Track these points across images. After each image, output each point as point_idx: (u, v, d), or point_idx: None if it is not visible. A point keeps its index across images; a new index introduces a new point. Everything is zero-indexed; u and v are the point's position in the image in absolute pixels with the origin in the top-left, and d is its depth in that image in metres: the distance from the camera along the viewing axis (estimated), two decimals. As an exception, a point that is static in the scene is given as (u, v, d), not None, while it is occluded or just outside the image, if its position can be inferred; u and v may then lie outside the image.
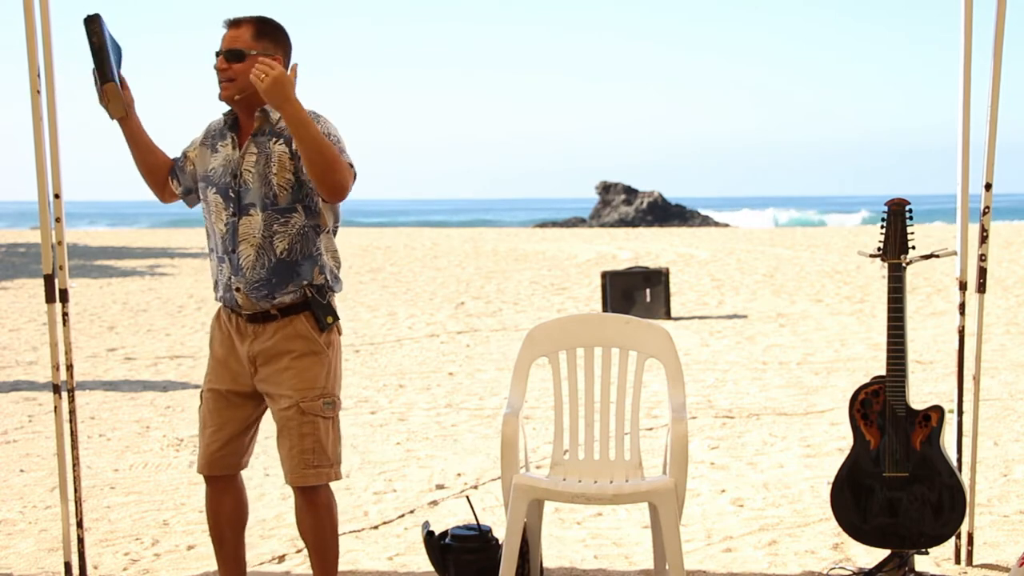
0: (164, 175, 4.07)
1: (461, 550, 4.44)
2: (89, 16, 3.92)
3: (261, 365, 3.92)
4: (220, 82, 3.85)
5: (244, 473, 6.53)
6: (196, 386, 9.26)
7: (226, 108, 3.95)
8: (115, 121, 4.00)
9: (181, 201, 4.11)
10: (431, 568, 4.59)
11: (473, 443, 7.19)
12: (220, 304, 4.01)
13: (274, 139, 3.84)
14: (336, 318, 3.93)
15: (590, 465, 4.51)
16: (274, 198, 3.82)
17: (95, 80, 3.94)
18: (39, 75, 4.47)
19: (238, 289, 3.87)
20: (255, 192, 3.83)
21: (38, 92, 4.47)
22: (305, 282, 3.87)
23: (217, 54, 3.85)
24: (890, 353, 4.45)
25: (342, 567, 4.86)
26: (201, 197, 3.99)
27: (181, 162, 4.04)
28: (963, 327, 4.73)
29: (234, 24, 3.85)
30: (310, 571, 4.84)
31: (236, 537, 4.14)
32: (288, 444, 3.89)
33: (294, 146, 3.76)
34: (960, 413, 4.76)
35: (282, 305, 3.87)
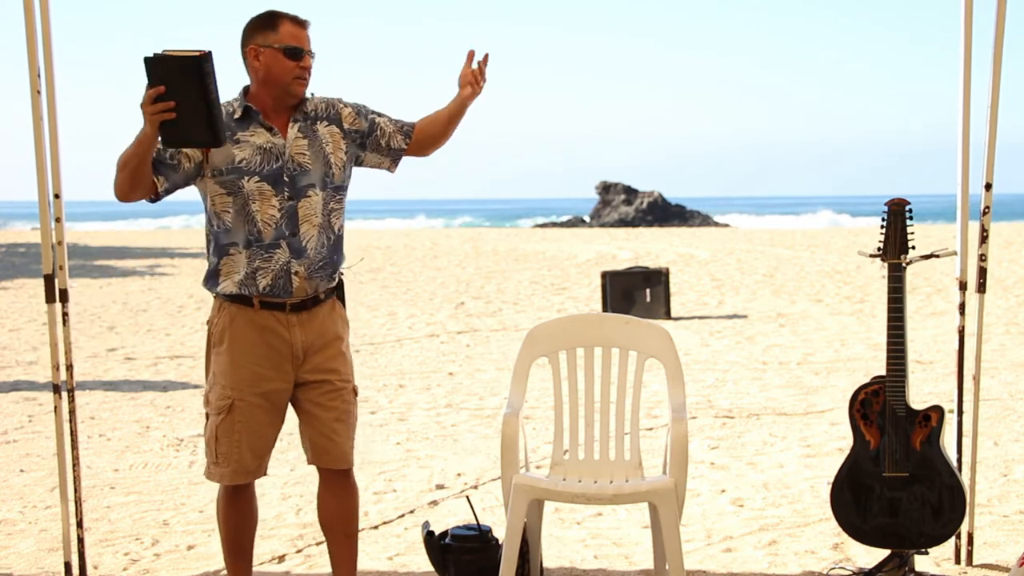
0: (151, 173, 3.88)
1: (461, 550, 4.44)
2: (202, 55, 3.49)
3: (314, 353, 3.95)
4: (301, 79, 3.90)
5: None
6: (196, 386, 9.26)
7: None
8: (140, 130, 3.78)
9: (142, 200, 3.91)
10: (431, 568, 4.59)
11: (473, 443, 7.19)
12: (241, 302, 3.88)
13: (320, 122, 3.97)
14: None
15: (590, 465, 4.51)
16: (332, 177, 3.95)
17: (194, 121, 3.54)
18: (39, 75, 4.47)
19: (296, 273, 3.88)
20: (314, 173, 3.91)
21: (38, 92, 4.47)
22: (341, 263, 4.03)
23: (302, 52, 3.89)
24: (890, 353, 4.45)
25: (342, 567, 4.87)
26: (226, 189, 3.86)
27: (172, 160, 3.83)
28: (963, 327, 4.73)
29: (304, 25, 3.94)
30: (310, 571, 4.84)
31: (252, 542, 4.16)
32: (345, 428, 4.00)
33: (345, 125, 4.00)
34: (960, 413, 4.76)
35: (329, 288, 3.98)
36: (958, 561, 4.78)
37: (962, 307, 4.71)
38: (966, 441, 4.79)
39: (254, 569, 4.85)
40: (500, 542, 4.42)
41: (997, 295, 14.77)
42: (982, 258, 4.69)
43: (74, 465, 4.70)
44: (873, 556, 4.78)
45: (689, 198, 63.35)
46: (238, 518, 4.06)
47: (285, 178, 3.88)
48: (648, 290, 13.43)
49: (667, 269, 13.81)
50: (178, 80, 3.49)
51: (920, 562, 4.69)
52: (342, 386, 4.00)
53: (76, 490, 4.74)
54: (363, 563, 4.91)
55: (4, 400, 8.71)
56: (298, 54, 3.88)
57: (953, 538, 4.68)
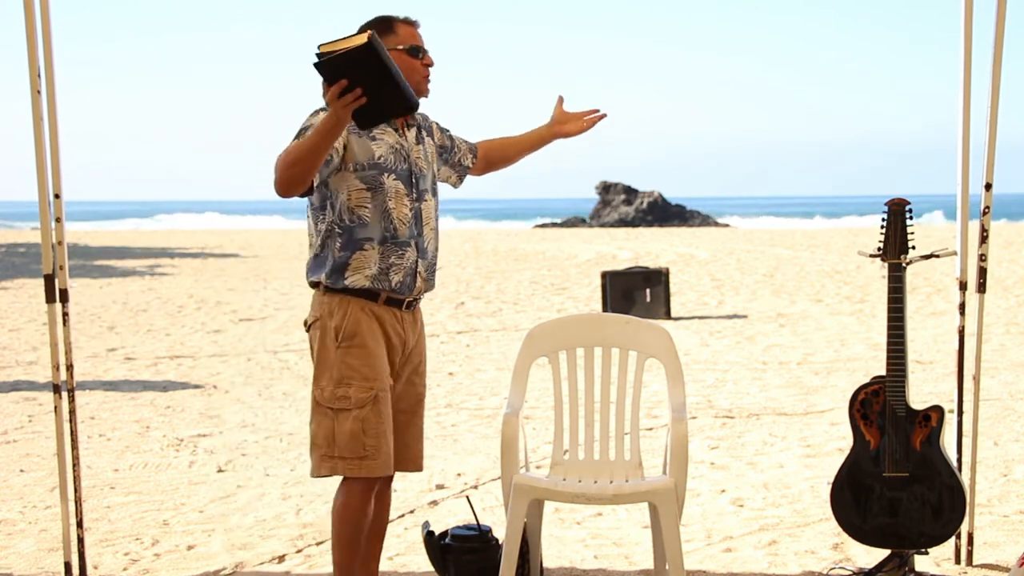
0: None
1: (461, 550, 4.44)
2: (369, 37, 3.48)
3: (413, 352, 4.05)
4: (426, 77, 3.99)
5: (243, 472, 6.56)
6: (196, 386, 9.27)
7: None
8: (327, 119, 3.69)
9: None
10: (431, 568, 4.59)
11: (473, 443, 7.19)
12: (366, 297, 3.89)
13: (423, 131, 4.09)
14: None
15: (590, 465, 4.51)
16: (436, 185, 4.13)
17: (380, 101, 3.55)
18: (39, 75, 4.47)
19: (419, 273, 3.97)
20: (428, 178, 4.03)
21: (38, 92, 4.47)
22: None
23: (423, 50, 3.98)
24: (890, 353, 4.45)
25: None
26: (366, 184, 3.86)
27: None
28: (963, 327, 4.73)
29: (416, 24, 4.01)
30: (310, 571, 4.85)
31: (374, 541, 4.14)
32: (421, 428, 4.12)
33: (436, 139, 4.18)
34: (960, 413, 4.76)
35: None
36: (958, 561, 4.78)
37: (962, 307, 4.71)
38: (966, 441, 4.79)
39: (253, 569, 4.85)
40: (500, 542, 4.42)
41: (997, 295, 14.77)
42: (982, 258, 4.69)
43: (74, 465, 4.69)
44: (873, 556, 4.78)
45: (689, 198, 63.31)
46: (361, 513, 3.96)
47: (412, 179, 3.96)
48: (648, 290, 13.43)
49: (667, 269, 13.82)
50: (357, 69, 3.49)
51: (920, 562, 4.69)
52: (423, 392, 4.13)
53: (76, 490, 4.74)
54: (363, 563, 4.91)
55: (4, 400, 8.71)
56: (421, 52, 3.98)
57: (953, 538, 4.68)
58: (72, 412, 4.65)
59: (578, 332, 4.63)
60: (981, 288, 4.71)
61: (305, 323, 4.02)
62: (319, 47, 3.52)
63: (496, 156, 4.39)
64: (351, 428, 3.85)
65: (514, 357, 4.65)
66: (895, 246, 4.47)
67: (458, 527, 4.56)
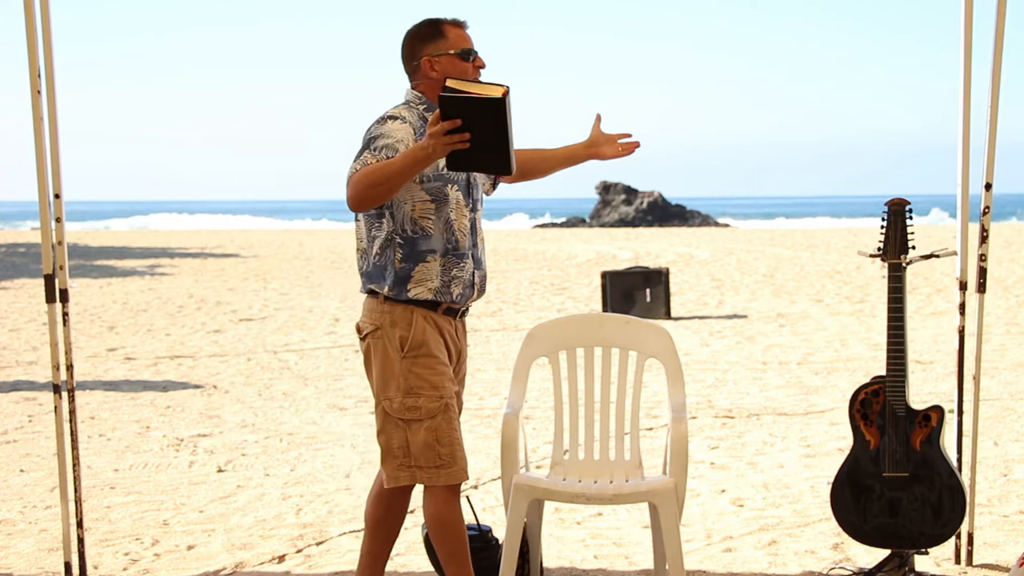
0: None
1: (461, 550, 4.43)
2: (504, 93, 3.48)
3: (459, 362, 4.05)
4: (476, 80, 3.90)
5: (243, 472, 6.56)
6: (196, 386, 9.27)
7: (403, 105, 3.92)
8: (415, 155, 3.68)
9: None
10: (431, 568, 4.59)
11: (473, 443, 7.19)
12: (427, 307, 3.89)
13: None
14: None
15: (590, 465, 4.51)
16: (482, 195, 4.10)
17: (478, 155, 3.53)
18: (39, 75, 4.47)
19: (476, 284, 4.00)
20: (478, 189, 4.03)
21: (38, 92, 4.47)
22: None
23: (475, 53, 3.93)
24: (890, 353, 4.45)
25: (342, 567, 4.87)
26: (431, 196, 3.85)
27: None
28: (963, 327, 4.73)
29: (465, 25, 3.96)
30: (310, 571, 4.85)
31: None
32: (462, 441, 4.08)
33: None
34: (960, 413, 4.76)
35: None
36: (958, 561, 4.78)
37: (962, 307, 4.71)
38: (966, 441, 4.79)
39: (253, 569, 4.86)
40: (500, 542, 4.42)
41: (997, 295, 14.77)
42: (982, 258, 4.69)
43: (74, 465, 4.70)
44: (873, 556, 4.78)
45: (689, 198, 63.31)
46: (395, 519, 4.07)
47: (469, 189, 3.95)
48: (648, 290, 13.43)
49: (667, 269, 13.82)
50: (477, 117, 3.48)
51: (920, 562, 4.69)
52: (462, 400, 4.13)
53: (76, 490, 4.74)
54: (363, 563, 4.91)
55: (4, 400, 8.71)
56: (472, 55, 3.92)
57: (953, 538, 4.68)
58: (72, 412, 4.65)
59: (578, 332, 4.63)
60: (981, 288, 4.71)
61: (359, 330, 3.96)
62: (448, 80, 3.52)
63: (529, 168, 4.32)
64: (424, 438, 3.85)
65: (514, 357, 4.65)
66: (895, 246, 4.47)
67: (458, 527, 4.55)
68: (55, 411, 4.66)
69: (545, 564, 4.79)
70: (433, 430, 3.86)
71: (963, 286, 4.72)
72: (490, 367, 10.11)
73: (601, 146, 4.32)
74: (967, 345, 4.73)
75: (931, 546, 4.52)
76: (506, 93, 3.48)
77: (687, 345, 11.14)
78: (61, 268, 4.59)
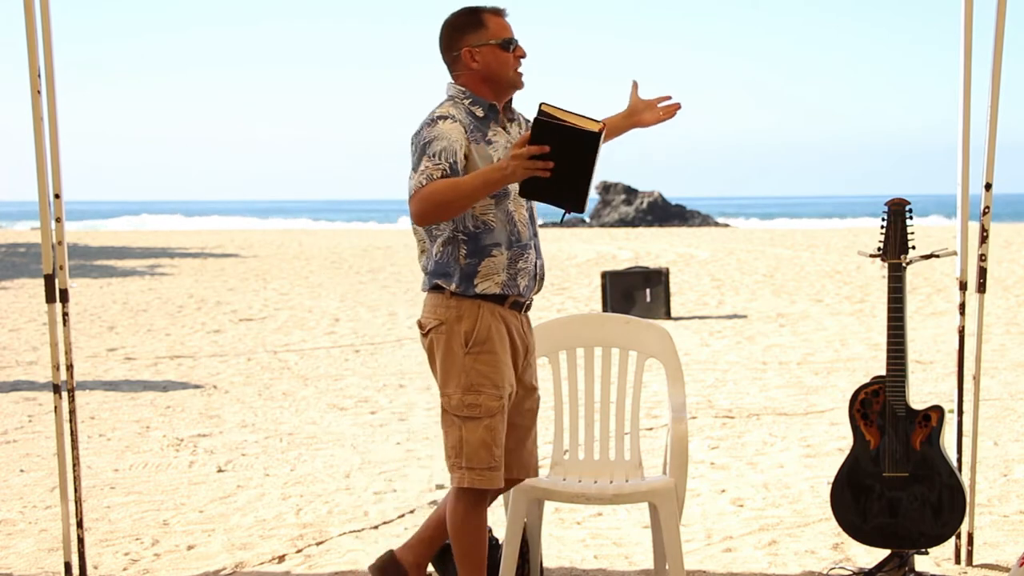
0: None
1: (461, 550, 4.43)
2: (600, 130, 3.45)
3: (527, 356, 3.95)
4: (519, 69, 3.85)
5: (243, 472, 6.56)
6: (196, 386, 9.27)
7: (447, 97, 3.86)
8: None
9: None
10: (431, 568, 4.58)
11: (473, 443, 7.18)
12: (494, 301, 3.82)
13: (516, 124, 3.95)
14: None
15: (590, 465, 4.51)
16: None
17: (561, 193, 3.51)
18: (39, 75, 4.47)
19: (538, 275, 3.93)
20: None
21: (38, 92, 4.47)
22: None
23: (515, 42, 3.83)
24: (890, 353, 4.45)
25: (342, 567, 4.87)
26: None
27: (457, 169, 3.71)
28: (963, 327, 4.73)
29: (504, 13, 3.87)
30: (310, 571, 4.85)
31: None
32: (535, 435, 4.00)
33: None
34: (960, 413, 4.76)
35: None
36: (958, 561, 4.78)
37: (962, 307, 4.71)
38: (966, 441, 4.79)
39: (253, 569, 4.86)
40: (500, 542, 4.42)
41: (997, 295, 14.77)
42: (982, 258, 4.69)
43: (74, 465, 4.69)
44: (873, 556, 4.78)
45: (689, 198, 63.31)
46: (482, 522, 3.92)
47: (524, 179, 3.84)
48: (648, 290, 13.42)
49: (667, 269, 13.82)
50: (567, 147, 3.44)
51: (920, 562, 4.69)
52: (538, 396, 4.03)
53: (76, 490, 4.74)
54: (364, 563, 4.91)
55: (4, 400, 8.71)
56: (513, 44, 3.83)
57: (953, 538, 4.68)
58: (72, 412, 4.65)
59: (578, 332, 4.63)
60: (981, 288, 4.71)
61: (421, 327, 3.89)
62: (543, 104, 3.46)
63: None
64: (481, 437, 3.76)
65: (514, 357, 4.65)
66: (895, 246, 4.47)
67: (458, 527, 4.55)
68: (55, 411, 4.66)
69: (545, 564, 4.79)
70: (491, 430, 3.77)
71: (963, 286, 4.72)
72: (490, 367, 10.10)
73: (641, 113, 4.21)
74: (967, 345, 4.73)
75: (931, 546, 4.52)
76: (602, 129, 3.45)
77: (687, 345, 11.14)
78: (61, 268, 4.59)
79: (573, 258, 23.23)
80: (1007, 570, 4.64)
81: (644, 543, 5.08)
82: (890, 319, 4.44)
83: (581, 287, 17.21)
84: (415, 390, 9.02)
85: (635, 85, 4.23)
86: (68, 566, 4.67)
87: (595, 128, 3.44)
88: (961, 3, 4.59)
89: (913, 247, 4.49)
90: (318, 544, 5.18)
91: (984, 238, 4.65)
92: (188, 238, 34.00)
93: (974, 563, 4.77)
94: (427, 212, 3.63)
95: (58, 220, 4.54)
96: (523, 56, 3.85)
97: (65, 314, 4.63)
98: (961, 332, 4.73)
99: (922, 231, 27.16)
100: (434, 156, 3.66)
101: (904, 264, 4.46)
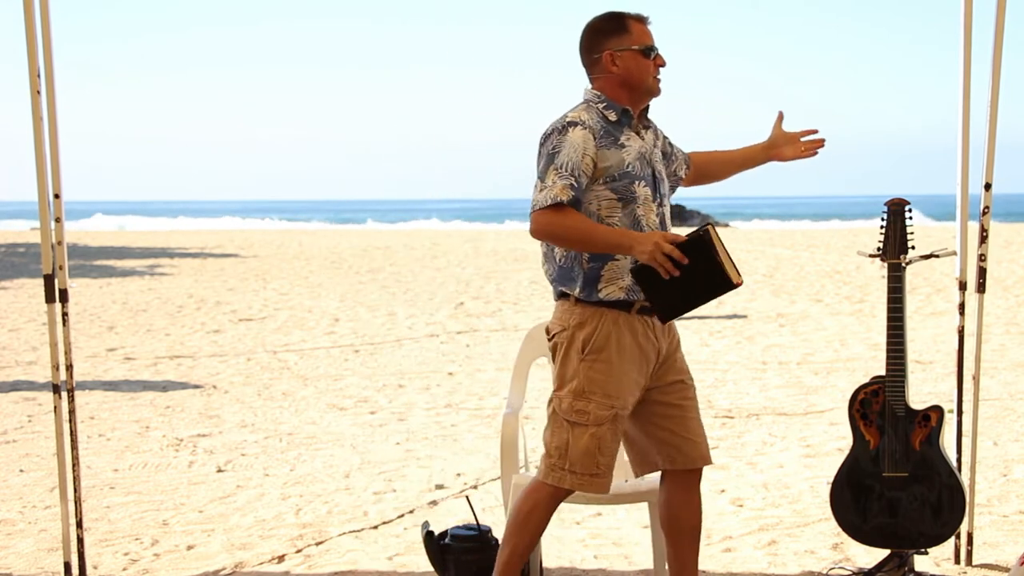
0: None
1: (461, 550, 4.44)
2: (736, 283, 3.57)
3: (668, 355, 3.91)
4: (658, 77, 3.85)
5: (243, 472, 6.56)
6: (196, 386, 9.27)
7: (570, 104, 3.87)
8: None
9: None
10: (431, 568, 4.58)
11: (473, 443, 7.19)
12: (620, 308, 3.76)
13: (651, 132, 3.93)
14: None
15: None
16: (668, 189, 3.97)
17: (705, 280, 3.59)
18: (39, 75, 4.47)
19: None
20: (666, 183, 3.92)
21: (38, 92, 4.47)
22: None
23: (656, 50, 3.84)
24: (890, 353, 4.45)
25: (341, 567, 4.87)
26: (618, 195, 3.74)
27: (583, 181, 3.71)
28: (963, 327, 4.73)
29: (647, 21, 3.88)
30: (310, 571, 4.85)
31: None
32: (702, 426, 3.94)
33: (659, 141, 3.96)
34: (960, 413, 4.76)
35: None
36: (958, 561, 4.78)
37: (962, 307, 4.71)
38: (966, 441, 4.79)
39: (253, 569, 4.86)
40: (500, 542, 4.42)
41: (997, 295, 14.77)
42: (982, 258, 4.69)
43: (74, 465, 4.70)
44: (873, 556, 4.78)
45: (689, 198, 63.38)
46: (690, 513, 3.93)
47: (655, 184, 3.84)
48: (648, 290, 13.41)
49: (667, 269, 13.80)
50: (700, 274, 3.56)
51: (920, 562, 4.69)
52: (693, 386, 3.98)
53: (76, 490, 4.74)
54: (363, 563, 4.91)
55: (4, 400, 8.71)
56: (653, 52, 3.83)
57: (953, 538, 4.68)
58: (72, 412, 4.65)
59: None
60: (981, 288, 4.71)
61: (547, 331, 3.88)
62: (711, 225, 3.54)
63: (709, 171, 4.19)
64: (587, 445, 3.74)
65: (514, 357, 4.65)
66: (895, 246, 4.47)
67: (458, 527, 4.56)
68: (55, 411, 4.66)
69: (545, 564, 4.79)
70: (597, 438, 3.74)
71: (963, 286, 4.72)
72: (490, 367, 10.11)
73: (782, 147, 4.18)
74: (967, 345, 4.73)
75: (931, 546, 4.52)
76: (739, 284, 3.57)
77: (687, 345, 11.10)
78: (61, 268, 4.59)
79: (573, 258, 23.21)
80: (1007, 570, 4.64)
81: (644, 543, 5.08)
82: (890, 319, 4.44)
83: (581, 287, 17.19)
84: (414, 390, 9.02)
85: (780, 116, 4.20)
86: (68, 566, 4.67)
87: (735, 280, 3.56)
88: (961, 3, 4.59)
89: (913, 247, 4.49)
90: (318, 544, 5.18)
91: (984, 238, 4.65)
92: (188, 238, 34.00)
93: (974, 563, 4.77)
94: (545, 237, 3.70)
95: (58, 220, 4.54)
96: (663, 65, 3.85)
97: (65, 314, 4.63)
98: (961, 332, 4.73)
99: (922, 231, 27.15)
100: (561, 168, 3.66)
101: (904, 264, 4.46)
